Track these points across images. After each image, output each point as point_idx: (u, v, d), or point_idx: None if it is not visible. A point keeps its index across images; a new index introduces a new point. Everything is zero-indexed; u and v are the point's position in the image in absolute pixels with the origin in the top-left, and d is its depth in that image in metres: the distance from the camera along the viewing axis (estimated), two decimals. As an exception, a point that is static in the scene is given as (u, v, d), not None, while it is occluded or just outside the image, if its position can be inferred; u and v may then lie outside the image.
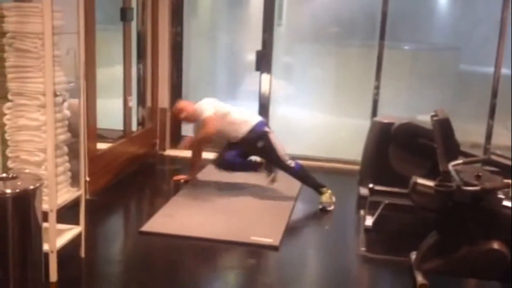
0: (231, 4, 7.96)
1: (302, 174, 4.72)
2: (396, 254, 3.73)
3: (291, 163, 4.68)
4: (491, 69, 5.55)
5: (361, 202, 4.61)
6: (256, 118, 4.85)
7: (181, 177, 5.06)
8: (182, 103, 4.96)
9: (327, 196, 4.58)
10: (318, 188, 4.64)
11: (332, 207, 4.57)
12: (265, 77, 5.88)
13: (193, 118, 4.79)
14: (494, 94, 5.55)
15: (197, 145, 4.98)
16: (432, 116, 3.57)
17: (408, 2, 7.41)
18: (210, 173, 5.25)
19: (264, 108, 5.91)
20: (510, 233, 3.01)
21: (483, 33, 6.86)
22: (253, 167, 4.89)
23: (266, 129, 4.75)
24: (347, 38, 7.42)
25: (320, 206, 4.56)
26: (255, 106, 5.91)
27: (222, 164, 4.82)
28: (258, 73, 5.88)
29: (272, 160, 4.74)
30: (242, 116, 4.78)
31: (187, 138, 5.10)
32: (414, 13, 7.71)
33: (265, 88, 5.91)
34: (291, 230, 4.17)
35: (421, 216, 4.00)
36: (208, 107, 4.71)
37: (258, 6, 6.00)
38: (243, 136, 4.72)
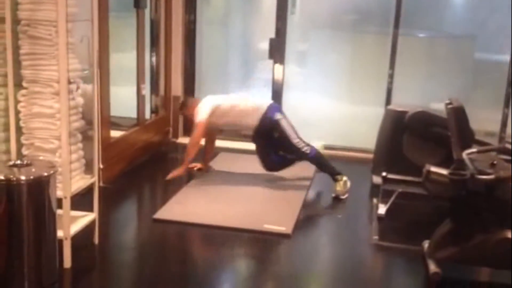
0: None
1: (318, 160, 4.70)
2: (409, 242, 3.72)
3: (307, 150, 4.65)
4: (507, 57, 5.49)
5: (374, 190, 4.60)
6: (267, 102, 4.84)
7: (195, 165, 5.07)
8: (186, 100, 4.98)
9: (341, 185, 4.56)
10: (334, 175, 4.62)
11: (345, 196, 4.55)
12: (278, 65, 5.86)
13: (192, 118, 4.77)
14: (510, 83, 5.49)
15: (209, 134, 4.96)
16: (447, 104, 3.54)
17: (423, -11, 7.32)
18: (223, 161, 5.27)
19: (277, 96, 5.89)
20: (525, 223, 2.99)
21: (498, 21, 6.77)
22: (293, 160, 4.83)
23: (278, 116, 4.72)
24: (361, 26, 7.36)
25: (333, 195, 4.55)
26: (269, 94, 5.89)
27: (273, 167, 4.84)
28: (271, 61, 5.86)
29: (287, 149, 4.73)
30: (252, 104, 4.76)
31: (176, 170, 4.81)
32: (429, 1, 7.62)
33: (278, 76, 5.90)
34: (304, 218, 4.17)
35: (435, 204, 3.99)
36: (203, 110, 4.66)
37: (272, -6, 5.97)
38: (258, 127, 4.71)
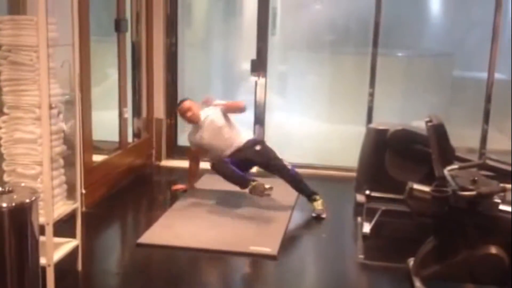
0: (225, 13, 7.98)
1: (298, 178, 4.72)
2: (394, 260, 3.73)
3: (288, 165, 4.72)
4: (484, 74, 5.58)
5: (358, 209, 4.61)
6: (248, 136, 4.99)
7: (180, 187, 5.06)
8: (189, 103, 4.96)
9: (319, 204, 4.58)
10: (311, 195, 4.64)
11: (325, 215, 4.57)
12: (260, 85, 5.89)
13: (196, 120, 4.88)
14: (488, 99, 5.58)
15: (194, 156, 5.08)
16: (427, 122, 3.58)
17: (401, 9, 7.45)
18: (208, 183, 5.25)
19: (259, 116, 5.91)
20: (508, 238, 3.02)
21: (476, 39, 6.90)
22: (243, 182, 4.70)
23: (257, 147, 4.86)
24: (341, 46, 7.44)
25: (314, 214, 4.56)
26: (251, 114, 5.91)
27: (219, 165, 4.77)
28: (253, 81, 5.89)
29: (271, 159, 4.74)
30: (235, 133, 4.86)
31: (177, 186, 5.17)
32: (407, 20, 7.74)
33: (260, 97, 5.92)
34: (289, 239, 4.16)
35: (419, 222, 4.00)
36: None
37: (252, 15, 6.02)
38: (238, 147, 4.81)
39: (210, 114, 4.85)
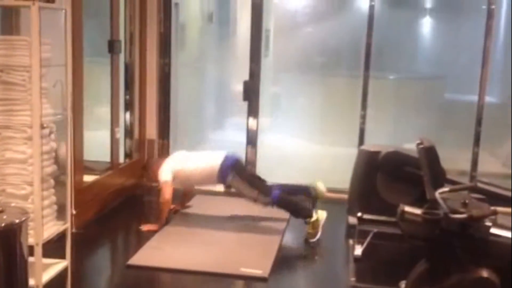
0: (219, 35, 8.05)
1: (282, 204, 4.62)
2: (385, 283, 3.71)
3: (265, 200, 4.61)
4: (475, 97, 5.62)
5: (350, 231, 4.60)
6: (217, 162, 4.69)
7: (151, 228, 4.70)
8: (149, 162, 5.07)
9: (309, 227, 4.49)
10: (305, 217, 4.55)
11: (315, 239, 4.46)
12: (253, 107, 5.90)
13: (156, 179, 4.79)
14: (479, 122, 5.61)
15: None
16: (418, 144, 3.60)
17: (392, 32, 7.53)
18: (198, 204, 5.23)
19: (251, 137, 5.92)
20: (499, 261, 3.01)
21: (467, 62, 6.98)
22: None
23: (229, 178, 4.66)
24: (333, 68, 7.51)
25: (304, 237, 4.51)
26: (243, 136, 5.92)
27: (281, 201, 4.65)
28: (245, 103, 5.91)
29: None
30: (206, 165, 4.71)
31: (148, 226, 4.68)
32: (399, 43, 7.83)
33: (252, 118, 5.93)
34: (280, 261, 4.14)
35: (410, 244, 3.99)
36: (165, 171, 4.68)
37: (245, 37, 6.07)
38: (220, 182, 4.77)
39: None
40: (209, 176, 4.71)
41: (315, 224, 4.49)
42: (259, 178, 4.80)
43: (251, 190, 4.63)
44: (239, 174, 4.68)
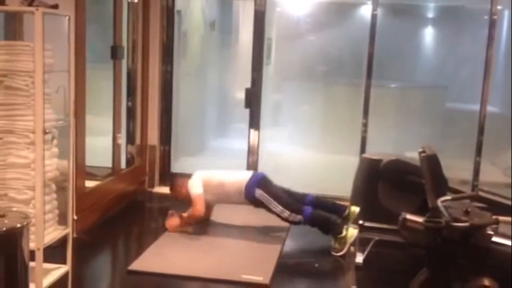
0: (221, 42, 8.07)
1: (315, 223, 4.54)
2: (387, 291, 3.71)
3: (294, 218, 4.52)
4: (477, 107, 5.63)
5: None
6: (245, 178, 4.68)
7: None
8: (175, 181, 4.94)
9: (335, 241, 4.43)
10: (334, 234, 4.48)
11: (342, 252, 4.40)
12: (254, 114, 5.91)
13: (183, 197, 4.76)
14: (481, 131, 5.61)
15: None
16: (420, 153, 3.60)
17: (395, 41, 7.55)
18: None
19: (253, 146, 5.92)
20: (500, 269, 3.01)
21: (469, 72, 6.99)
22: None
23: (256, 193, 4.58)
24: (334, 77, 7.52)
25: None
26: (244, 143, 5.92)
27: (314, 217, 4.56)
28: (247, 110, 5.92)
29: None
30: (234, 181, 4.68)
31: (173, 220, 4.72)
32: (401, 52, 7.85)
33: (254, 127, 5.94)
34: (282, 268, 4.13)
35: (412, 252, 3.99)
36: (196, 183, 4.66)
37: (247, 45, 6.09)
38: (247, 201, 4.67)
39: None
40: (237, 191, 4.65)
41: (341, 241, 4.43)
42: (288, 193, 4.70)
43: (282, 210, 4.52)
44: (267, 190, 4.61)
